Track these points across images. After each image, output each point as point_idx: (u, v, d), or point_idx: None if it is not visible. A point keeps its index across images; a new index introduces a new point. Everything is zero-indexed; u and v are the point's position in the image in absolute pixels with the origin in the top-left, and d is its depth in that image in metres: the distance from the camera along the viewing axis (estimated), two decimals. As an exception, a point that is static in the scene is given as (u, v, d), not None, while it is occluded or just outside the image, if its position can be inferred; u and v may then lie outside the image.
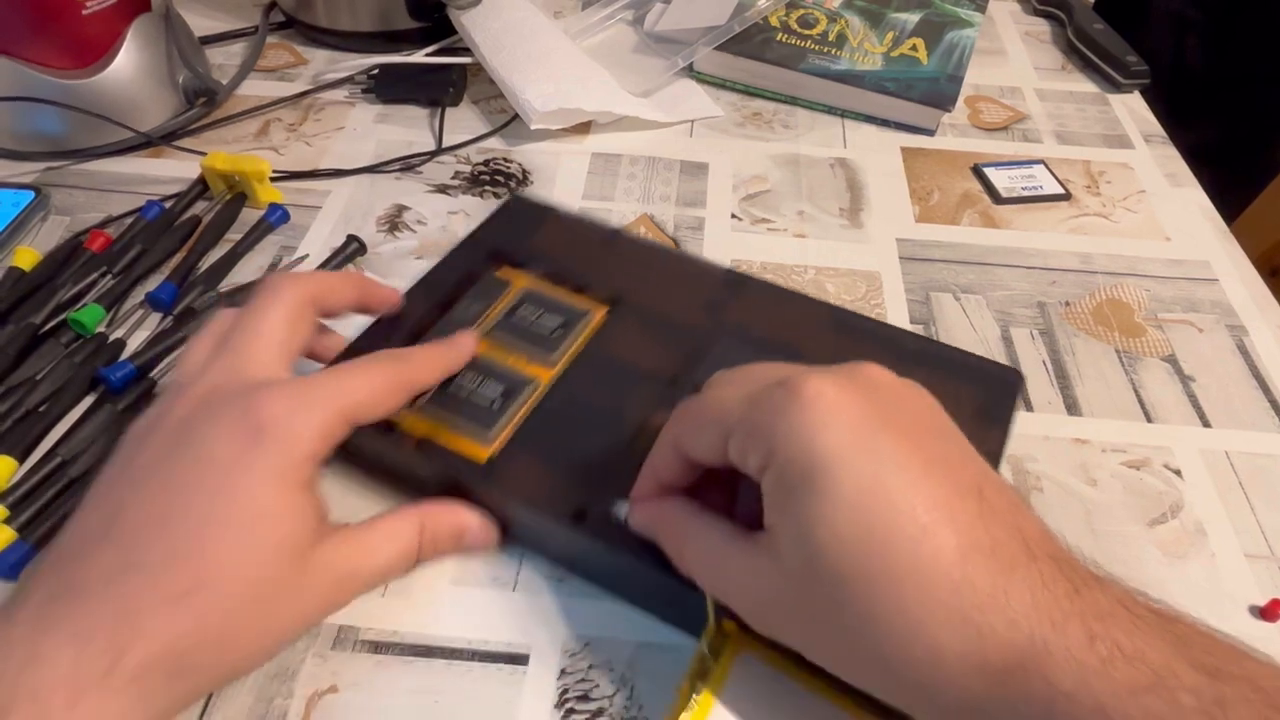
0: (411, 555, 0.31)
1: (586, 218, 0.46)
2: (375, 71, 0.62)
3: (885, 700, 0.25)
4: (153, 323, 0.45)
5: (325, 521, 0.29)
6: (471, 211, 0.53)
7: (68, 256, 0.47)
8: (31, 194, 0.51)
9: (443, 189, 0.54)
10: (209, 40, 0.66)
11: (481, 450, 0.34)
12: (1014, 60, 0.70)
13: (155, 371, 0.42)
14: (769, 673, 0.29)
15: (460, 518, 0.33)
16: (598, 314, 0.40)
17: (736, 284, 0.42)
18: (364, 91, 0.62)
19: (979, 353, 0.39)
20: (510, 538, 0.34)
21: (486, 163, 0.57)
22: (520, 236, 0.44)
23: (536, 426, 0.35)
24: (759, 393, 0.26)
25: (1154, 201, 0.56)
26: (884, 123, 0.62)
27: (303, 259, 0.48)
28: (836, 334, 0.39)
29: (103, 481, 0.28)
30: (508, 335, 0.39)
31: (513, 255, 0.43)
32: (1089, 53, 0.69)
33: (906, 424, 0.25)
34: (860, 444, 0.24)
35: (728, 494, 0.30)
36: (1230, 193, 0.63)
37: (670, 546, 0.30)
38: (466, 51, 0.62)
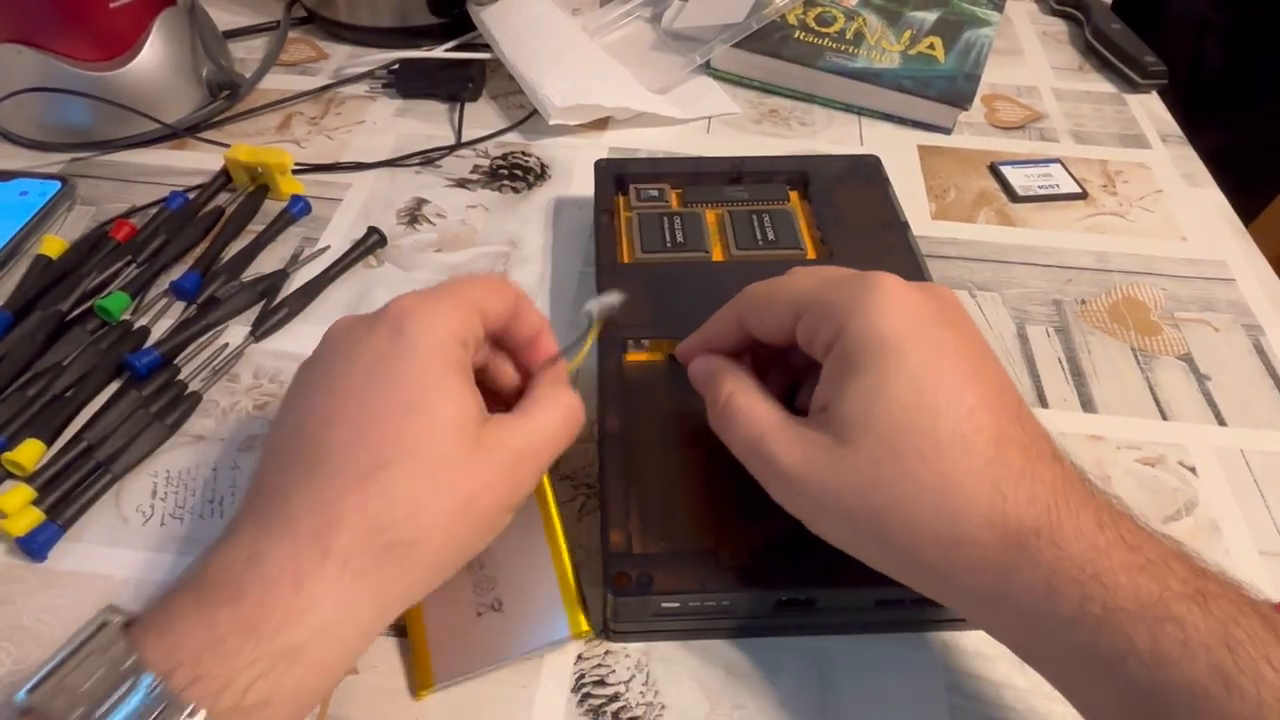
0: (575, 414, 0.31)
1: (896, 203, 0.49)
2: (395, 66, 0.62)
3: (899, 573, 0.27)
4: (176, 311, 0.45)
5: (484, 410, 0.29)
6: (490, 205, 0.53)
7: (93, 245, 0.47)
8: (58, 184, 0.51)
9: (462, 183, 0.55)
10: (232, 34, 0.67)
11: (628, 256, 0.45)
12: (1031, 60, 0.70)
13: (179, 359, 0.42)
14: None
15: None
16: (807, 254, 0.45)
17: None
18: (384, 86, 0.62)
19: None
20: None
21: (505, 157, 0.57)
22: (836, 182, 0.50)
23: (678, 272, 0.43)
24: (836, 279, 0.30)
25: (1171, 201, 0.56)
26: (901, 121, 0.62)
27: (324, 250, 0.49)
28: None
29: (277, 418, 0.29)
30: (732, 219, 0.46)
31: (812, 190, 0.49)
32: (1106, 53, 0.68)
33: (965, 333, 0.29)
34: (924, 332, 0.27)
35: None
36: (1248, 193, 0.63)
37: (717, 395, 0.32)
38: (486, 47, 0.63)
